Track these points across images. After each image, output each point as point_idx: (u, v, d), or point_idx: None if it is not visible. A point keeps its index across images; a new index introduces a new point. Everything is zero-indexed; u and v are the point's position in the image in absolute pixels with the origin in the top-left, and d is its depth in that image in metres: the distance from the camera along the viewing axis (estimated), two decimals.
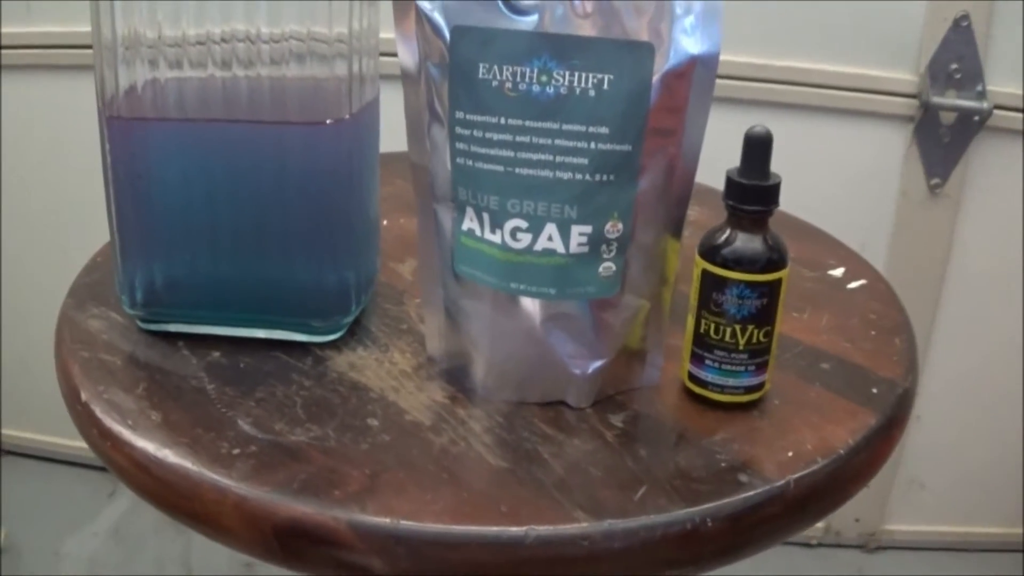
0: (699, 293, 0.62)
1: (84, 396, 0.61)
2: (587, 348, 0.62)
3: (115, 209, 0.64)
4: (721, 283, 0.61)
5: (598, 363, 0.62)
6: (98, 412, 0.60)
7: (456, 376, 0.64)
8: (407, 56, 0.60)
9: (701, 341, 0.63)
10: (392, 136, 0.69)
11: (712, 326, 0.62)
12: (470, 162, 0.58)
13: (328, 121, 0.61)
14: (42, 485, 1.64)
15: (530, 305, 0.60)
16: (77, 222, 1.55)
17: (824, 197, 1.19)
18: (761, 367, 0.63)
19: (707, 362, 0.63)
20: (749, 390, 0.63)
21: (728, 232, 0.61)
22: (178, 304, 0.66)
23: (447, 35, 0.57)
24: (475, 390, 0.63)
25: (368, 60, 0.63)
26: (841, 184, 1.35)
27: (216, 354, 0.65)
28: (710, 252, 0.61)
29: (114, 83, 0.61)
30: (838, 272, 0.82)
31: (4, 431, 1.71)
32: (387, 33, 0.62)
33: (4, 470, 1.67)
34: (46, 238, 1.57)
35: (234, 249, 0.64)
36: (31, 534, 1.51)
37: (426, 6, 0.58)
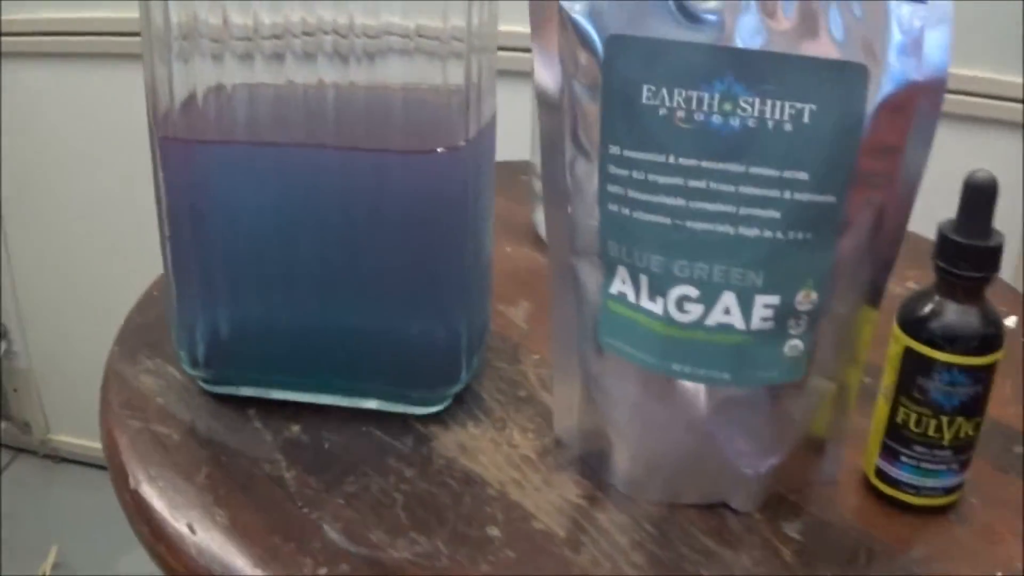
0: (898, 375, 0.49)
1: (133, 482, 0.50)
2: (760, 443, 0.49)
3: (171, 247, 0.52)
4: (928, 365, 0.48)
5: (772, 460, 0.49)
6: (152, 505, 0.48)
7: (592, 465, 0.52)
8: (545, 72, 0.47)
9: (897, 434, 0.50)
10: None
11: (913, 417, 0.49)
12: (626, 211, 0.45)
13: (440, 149, 0.48)
14: (95, 496, 1.54)
15: (694, 391, 0.48)
16: (103, 220, 1.49)
17: (939, 215, 1.04)
18: (965, 464, 0.50)
19: (902, 459, 0.50)
20: (948, 491, 0.51)
21: (936, 300, 0.48)
22: (249, 365, 0.54)
23: (600, 47, 0.45)
24: (616, 486, 0.51)
25: (487, 65, 0.50)
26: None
27: (295, 428, 0.53)
28: (915, 326, 0.48)
29: (168, 90, 0.48)
30: (1011, 321, 0.68)
31: (55, 436, 1.62)
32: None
33: (57, 480, 1.58)
34: (55, 237, 1.49)
35: (319, 300, 0.51)
36: (83, 552, 1.41)
37: (572, 7, 0.45)
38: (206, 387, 0.55)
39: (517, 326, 0.62)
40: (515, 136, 0.68)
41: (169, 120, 0.49)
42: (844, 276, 0.47)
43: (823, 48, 0.43)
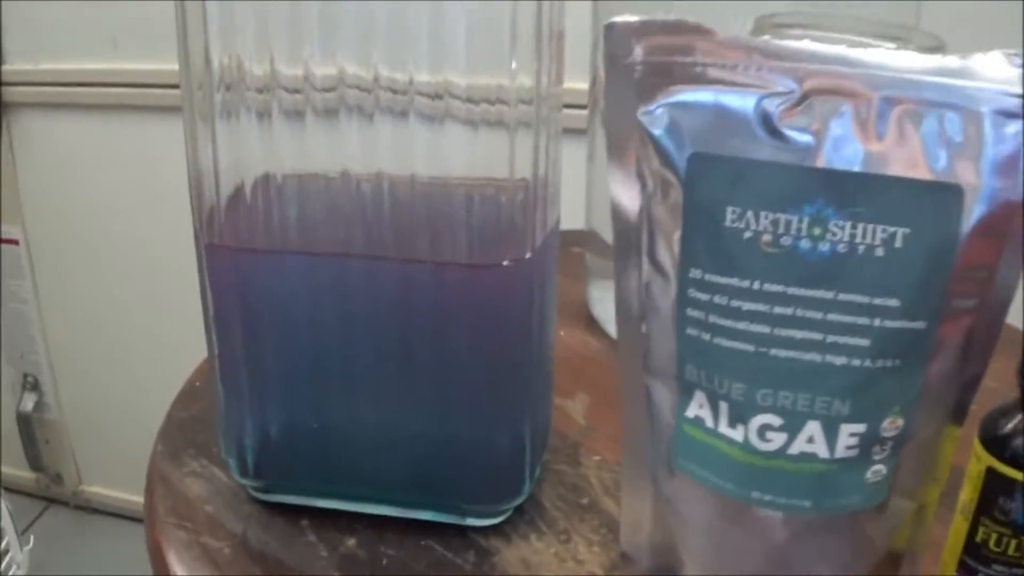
0: (980, 494, 0.47)
1: None
2: (841, 567, 0.47)
3: (219, 355, 0.49)
4: (1011, 486, 0.46)
5: None
6: None
7: None
8: (623, 188, 0.45)
9: (976, 552, 0.48)
10: None
11: (993, 537, 0.47)
12: (706, 336, 0.43)
13: (506, 263, 0.46)
14: (126, 547, 1.52)
15: (772, 518, 0.45)
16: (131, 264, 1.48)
17: None
18: None
19: None
20: None
21: (1021, 418, 0.46)
22: (301, 475, 0.52)
23: (682, 166, 0.42)
24: None
25: (554, 147, 0.47)
26: None
27: (351, 542, 0.51)
28: (998, 444, 0.46)
29: (214, 181, 0.46)
30: None
31: (87, 488, 1.61)
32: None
33: (89, 531, 1.57)
34: (86, 288, 1.48)
35: (373, 411, 0.49)
36: None
37: (653, 122, 0.43)
38: (257, 495, 0.53)
39: (575, 422, 0.59)
40: (567, 201, 0.65)
41: (215, 222, 0.47)
42: (930, 399, 0.44)
43: (916, 168, 0.41)
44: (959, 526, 0.49)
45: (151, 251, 1.43)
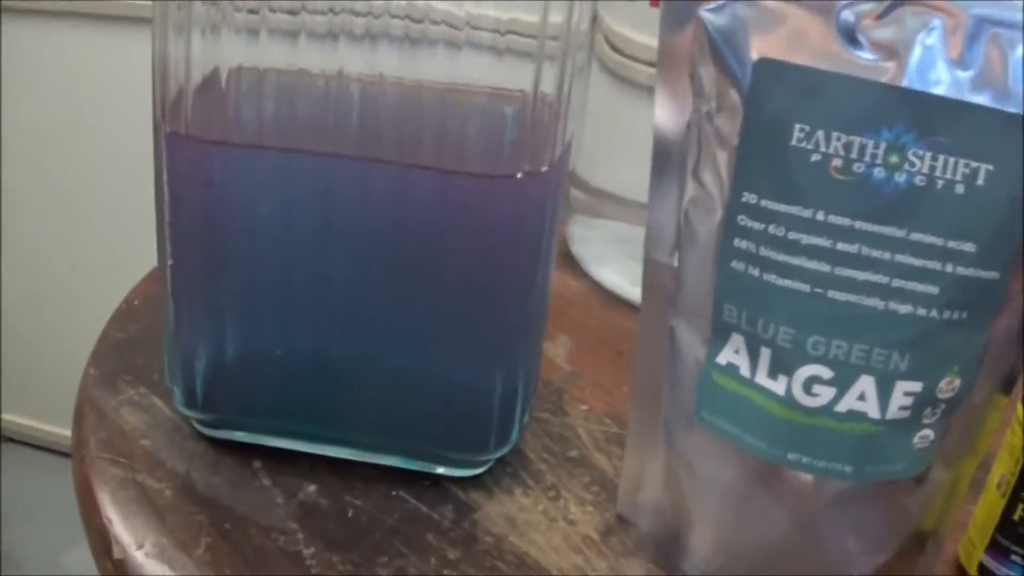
0: (1022, 467, 0.43)
1: (118, 551, 0.41)
2: (871, 542, 0.42)
3: (174, 265, 0.42)
4: None
5: (879, 559, 0.42)
6: None
7: (666, 550, 0.44)
8: (669, 98, 0.39)
9: (1011, 530, 0.43)
10: None
11: None
12: (755, 271, 0.38)
13: (520, 174, 0.40)
14: (46, 482, 1.42)
15: (804, 482, 0.40)
16: (79, 190, 1.38)
17: None
18: None
19: (1013, 558, 0.43)
20: None
21: None
22: (258, 409, 0.45)
23: (745, 73, 0.36)
24: (691, 573, 0.43)
25: (579, 69, 0.41)
26: None
27: (311, 489, 0.44)
28: None
29: (184, 67, 0.39)
30: None
31: (6, 416, 1.51)
32: None
33: (4, 462, 1.46)
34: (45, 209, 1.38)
35: (350, 338, 0.43)
36: (32, 541, 1.29)
37: (714, 20, 0.37)
38: (203, 430, 0.46)
39: (558, 367, 0.53)
40: None
41: (181, 109, 0.40)
42: (989, 360, 0.40)
43: (1008, 100, 0.36)
44: (993, 502, 0.44)
45: (93, 167, 1.33)
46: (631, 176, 0.49)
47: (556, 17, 0.38)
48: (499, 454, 0.45)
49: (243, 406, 0.45)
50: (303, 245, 0.41)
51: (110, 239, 1.41)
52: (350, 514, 0.43)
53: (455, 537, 0.43)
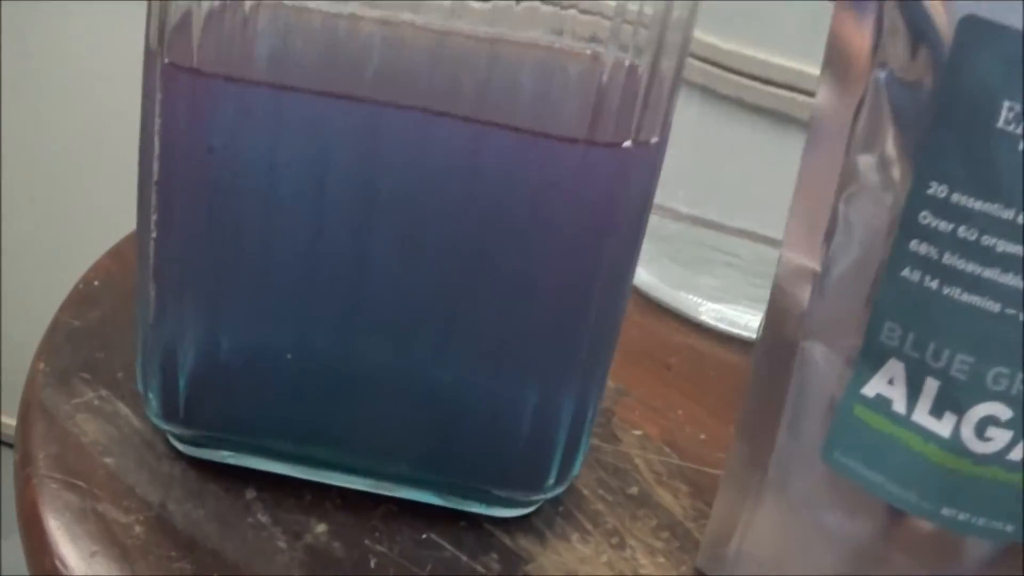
0: None
1: None
2: None
3: (160, 230, 0.33)
4: None
5: None
6: None
7: None
8: (838, 56, 0.30)
9: None
10: None
11: None
12: (932, 283, 0.29)
13: (627, 143, 0.31)
14: None
15: (956, 543, 0.32)
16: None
17: None
18: None
19: None
20: None
21: None
22: (255, 425, 0.36)
23: (946, 32, 0.28)
24: None
25: (686, 45, 0.32)
26: None
27: (321, 530, 0.35)
28: None
29: None
30: None
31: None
32: None
33: None
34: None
35: (381, 338, 0.34)
36: None
37: None
38: (184, 449, 0.36)
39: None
40: None
41: (187, 35, 0.30)
42: None
43: None
44: None
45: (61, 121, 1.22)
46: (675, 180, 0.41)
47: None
48: (556, 492, 0.36)
49: (237, 420, 0.35)
50: (333, 217, 0.32)
51: (74, 206, 1.30)
52: (373, 564, 0.34)
53: None
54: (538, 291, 0.32)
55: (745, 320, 0.52)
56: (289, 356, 0.34)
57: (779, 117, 0.48)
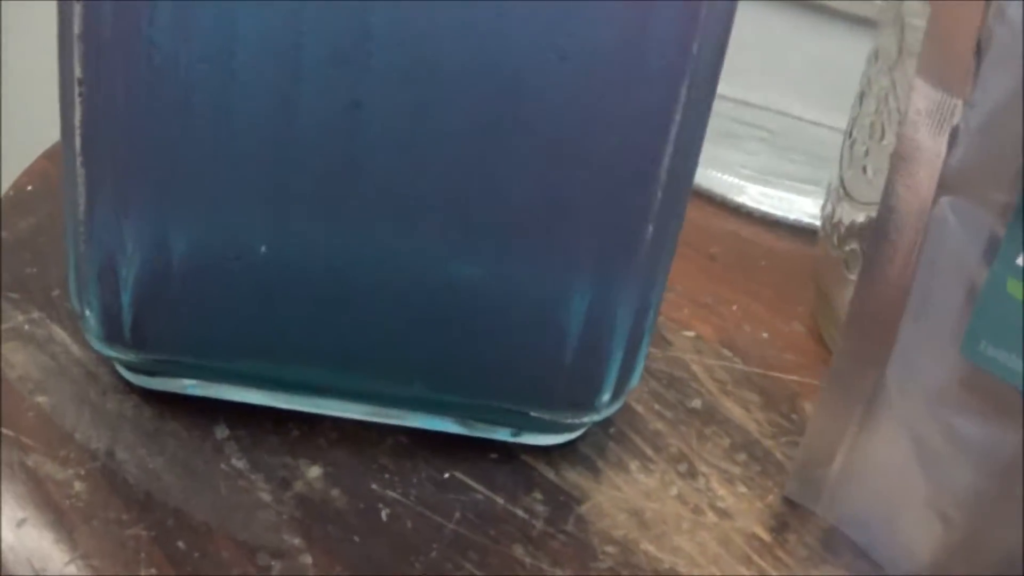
0: None
1: None
2: None
3: (87, 110, 0.25)
4: None
5: None
6: None
7: (871, 552, 0.29)
8: None
9: None
10: None
11: None
12: None
13: None
14: None
15: None
16: None
17: None
18: None
19: None
20: None
21: None
22: (222, 344, 0.28)
23: None
24: None
25: None
26: None
27: (315, 474, 0.28)
28: None
29: None
30: None
31: None
32: None
33: None
34: None
35: (384, 220, 0.26)
36: None
37: None
38: (133, 379, 0.29)
39: None
40: None
41: None
42: None
43: None
44: None
45: None
46: None
47: None
48: (612, 411, 0.29)
49: (199, 339, 0.28)
50: (312, 66, 0.24)
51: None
52: (384, 516, 0.27)
53: (557, 548, 0.27)
54: (594, 157, 0.24)
55: (790, 202, 0.45)
56: (264, 249, 0.26)
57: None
